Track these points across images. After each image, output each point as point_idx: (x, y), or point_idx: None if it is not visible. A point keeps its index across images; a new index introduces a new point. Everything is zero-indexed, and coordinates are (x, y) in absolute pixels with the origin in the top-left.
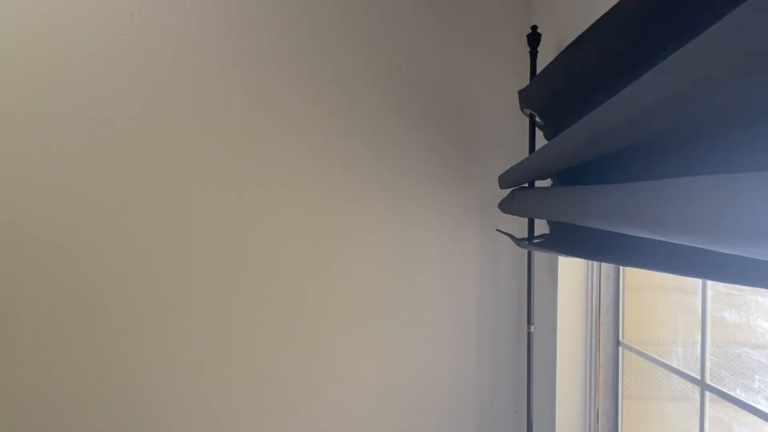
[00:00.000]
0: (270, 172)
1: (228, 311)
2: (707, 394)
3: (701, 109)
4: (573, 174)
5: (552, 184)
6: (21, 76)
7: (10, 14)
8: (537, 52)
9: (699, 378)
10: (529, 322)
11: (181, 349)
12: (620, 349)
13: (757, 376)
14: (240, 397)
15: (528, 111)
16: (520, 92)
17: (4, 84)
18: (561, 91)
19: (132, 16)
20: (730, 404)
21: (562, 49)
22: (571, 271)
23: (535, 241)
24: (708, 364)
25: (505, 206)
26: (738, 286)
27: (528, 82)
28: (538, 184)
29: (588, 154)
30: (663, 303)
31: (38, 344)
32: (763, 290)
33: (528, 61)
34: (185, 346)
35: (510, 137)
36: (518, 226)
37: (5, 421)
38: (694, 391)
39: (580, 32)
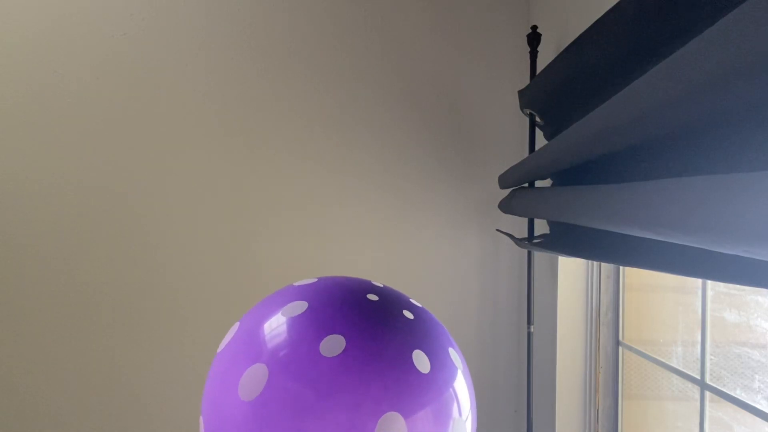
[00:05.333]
0: (267, 173)
1: (228, 313)
2: (707, 394)
3: (701, 108)
4: (573, 174)
5: (552, 184)
6: (21, 76)
7: (10, 14)
8: (537, 52)
9: (699, 378)
10: (529, 322)
11: (180, 350)
12: (620, 349)
13: (757, 376)
14: None
15: (528, 111)
16: (520, 92)
17: (3, 84)
18: (561, 91)
19: (132, 16)
20: (730, 404)
21: (562, 49)
22: (571, 271)
23: (535, 241)
24: (708, 364)
25: (505, 206)
26: (738, 286)
27: (528, 82)
28: (538, 184)
29: (588, 153)
30: (663, 303)
31: (36, 344)
32: (763, 290)
33: (528, 61)
34: (184, 347)
35: (510, 137)
36: (518, 226)
37: (7, 421)
38: (694, 391)
39: (580, 32)
